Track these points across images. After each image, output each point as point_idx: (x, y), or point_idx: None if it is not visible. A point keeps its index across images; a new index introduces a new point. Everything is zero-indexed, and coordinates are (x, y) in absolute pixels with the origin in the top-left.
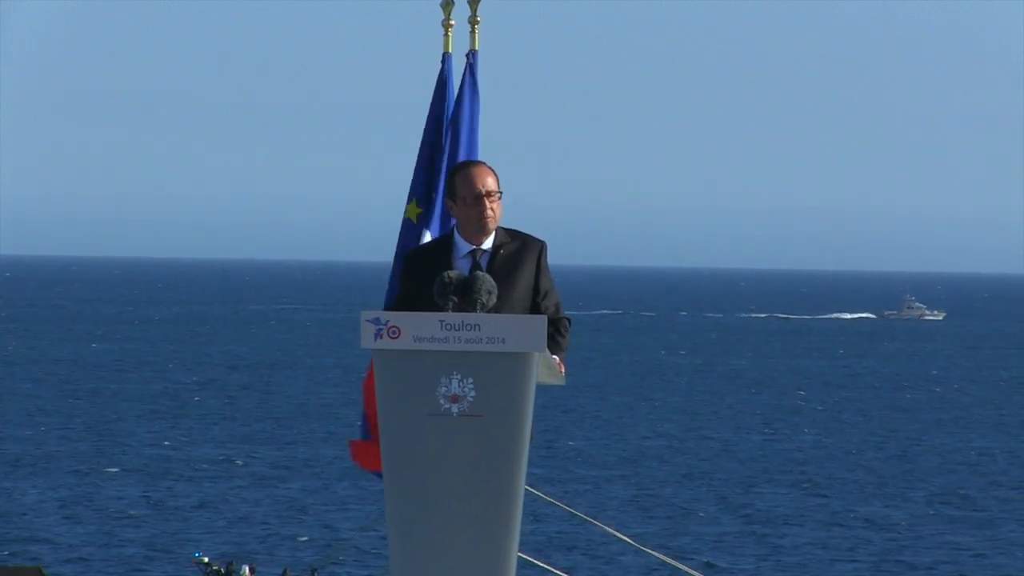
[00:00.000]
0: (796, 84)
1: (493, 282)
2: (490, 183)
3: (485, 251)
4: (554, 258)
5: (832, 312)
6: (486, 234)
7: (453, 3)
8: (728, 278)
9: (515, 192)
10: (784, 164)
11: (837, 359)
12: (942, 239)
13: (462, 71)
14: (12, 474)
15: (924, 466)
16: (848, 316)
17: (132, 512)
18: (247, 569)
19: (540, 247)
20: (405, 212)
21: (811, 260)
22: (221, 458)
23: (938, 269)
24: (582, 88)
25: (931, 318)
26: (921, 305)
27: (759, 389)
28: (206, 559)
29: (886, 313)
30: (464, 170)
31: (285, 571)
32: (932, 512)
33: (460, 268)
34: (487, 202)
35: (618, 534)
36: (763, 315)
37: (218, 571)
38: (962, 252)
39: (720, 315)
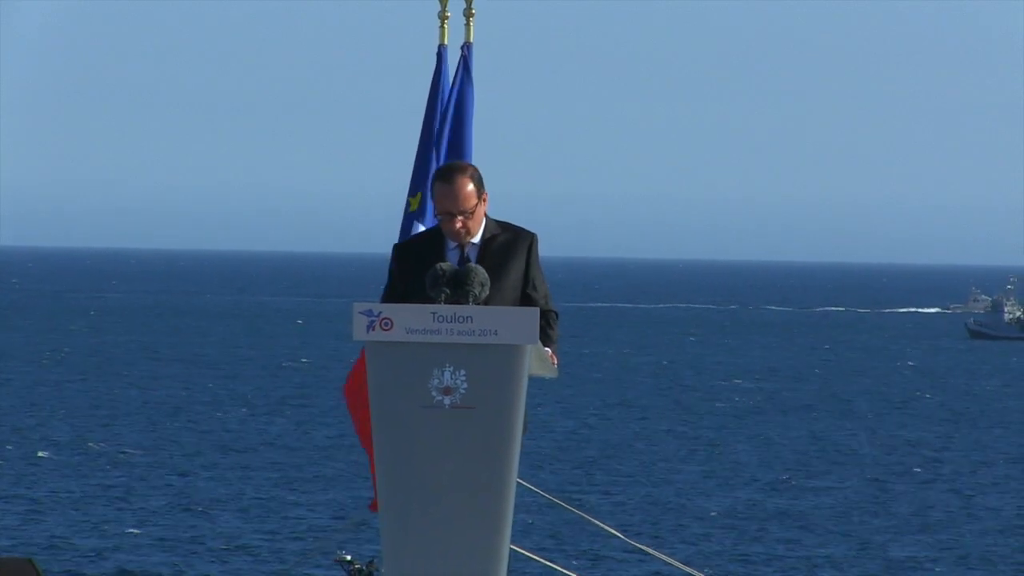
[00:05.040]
0: (814, 76)
1: (486, 274)
2: (465, 199)
3: (475, 243)
4: (545, 249)
5: (907, 306)
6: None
7: None
8: (761, 271)
9: (507, 184)
10: (815, 156)
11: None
12: (1003, 232)
13: (457, 63)
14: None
15: None
16: (913, 310)
17: (138, 505)
18: None
19: (531, 239)
20: (407, 205)
21: (832, 254)
22: (237, 451)
23: (1000, 263)
24: (577, 80)
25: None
26: (987, 298)
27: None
28: (348, 557)
29: (952, 307)
30: (440, 182)
31: None
32: None
33: (450, 259)
34: (457, 221)
35: (611, 528)
36: (840, 309)
37: (360, 569)
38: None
39: (789, 309)
